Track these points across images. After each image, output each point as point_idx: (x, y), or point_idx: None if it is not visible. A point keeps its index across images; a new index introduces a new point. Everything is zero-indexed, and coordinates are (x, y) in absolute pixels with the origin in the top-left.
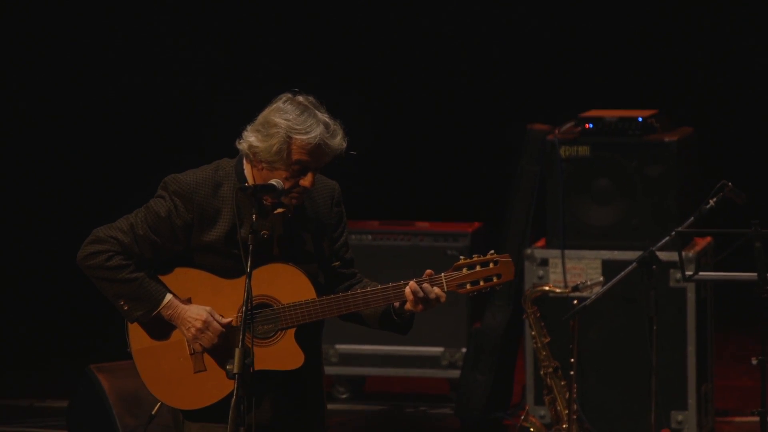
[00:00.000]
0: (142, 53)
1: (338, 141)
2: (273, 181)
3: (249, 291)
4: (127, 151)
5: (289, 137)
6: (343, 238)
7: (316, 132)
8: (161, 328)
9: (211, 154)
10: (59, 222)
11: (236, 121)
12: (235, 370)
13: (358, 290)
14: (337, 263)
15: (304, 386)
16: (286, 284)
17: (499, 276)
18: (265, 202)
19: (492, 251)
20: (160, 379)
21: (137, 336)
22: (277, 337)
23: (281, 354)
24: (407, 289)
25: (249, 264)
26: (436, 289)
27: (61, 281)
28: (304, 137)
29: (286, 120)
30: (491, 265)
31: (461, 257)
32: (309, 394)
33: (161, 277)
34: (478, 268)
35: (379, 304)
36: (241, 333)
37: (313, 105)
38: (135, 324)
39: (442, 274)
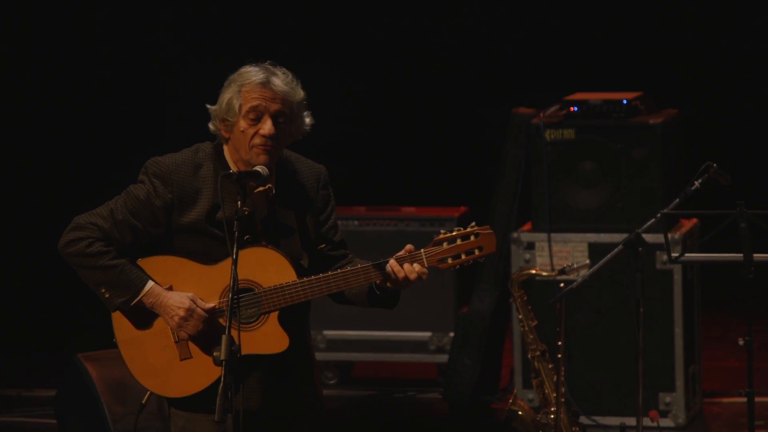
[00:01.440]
0: (121, 42)
1: (287, 83)
2: (258, 168)
3: (235, 277)
4: (106, 139)
5: (239, 86)
6: (331, 220)
7: (262, 74)
8: (144, 316)
9: (188, 141)
10: (44, 211)
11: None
12: (222, 357)
13: (338, 270)
14: (323, 246)
15: (293, 371)
16: (267, 268)
17: (480, 248)
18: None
19: (473, 223)
20: (146, 369)
21: (121, 326)
22: (260, 321)
23: (266, 338)
24: (387, 268)
25: (235, 250)
26: (416, 266)
27: (47, 271)
28: (251, 79)
29: (236, 74)
30: (472, 238)
31: (441, 231)
32: (299, 379)
33: (142, 265)
34: (458, 241)
35: (361, 283)
36: (228, 320)
37: (270, 64)
38: (118, 314)
39: (422, 250)
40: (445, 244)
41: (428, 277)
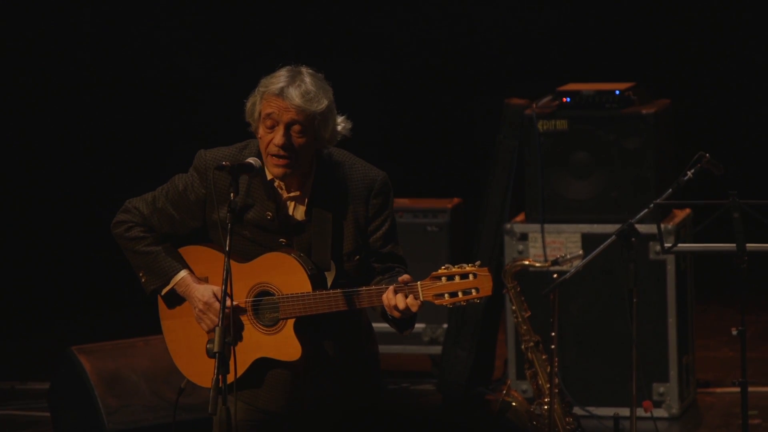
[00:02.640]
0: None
1: (303, 94)
2: (250, 160)
3: (228, 270)
4: (106, 139)
5: (262, 93)
6: (380, 231)
7: (282, 83)
8: (183, 303)
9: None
10: (39, 204)
11: None
12: (216, 349)
13: (346, 289)
14: (367, 256)
15: (317, 377)
16: (284, 275)
17: (477, 290)
18: (278, 183)
19: (479, 262)
20: (182, 354)
21: (165, 309)
22: (278, 327)
23: (280, 344)
24: (383, 296)
25: (228, 242)
26: (409, 299)
27: (40, 263)
28: (269, 87)
29: (265, 78)
30: (471, 277)
31: (443, 267)
32: (324, 385)
33: (184, 253)
34: (457, 279)
35: (364, 304)
36: (221, 312)
37: (304, 69)
38: (162, 297)
39: (418, 282)
40: (443, 279)
41: (421, 268)
